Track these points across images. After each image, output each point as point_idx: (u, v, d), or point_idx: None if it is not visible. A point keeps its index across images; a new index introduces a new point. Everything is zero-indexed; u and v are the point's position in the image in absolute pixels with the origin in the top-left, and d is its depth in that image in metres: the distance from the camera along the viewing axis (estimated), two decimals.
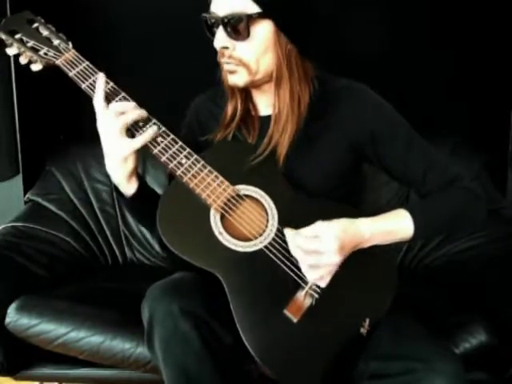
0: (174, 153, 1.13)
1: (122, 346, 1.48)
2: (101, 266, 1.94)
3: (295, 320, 1.10)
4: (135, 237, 2.00)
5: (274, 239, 1.12)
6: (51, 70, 1.16)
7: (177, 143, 1.14)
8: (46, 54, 1.15)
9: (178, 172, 1.12)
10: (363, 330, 1.12)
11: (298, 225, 1.10)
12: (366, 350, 1.11)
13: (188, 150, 1.14)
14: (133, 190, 1.17)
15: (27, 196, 2.01)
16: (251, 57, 1.14)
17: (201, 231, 1.12)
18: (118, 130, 1.09)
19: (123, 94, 1.14)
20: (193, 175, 1.12)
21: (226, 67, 1.17)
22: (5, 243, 1.74)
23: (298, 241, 1.07)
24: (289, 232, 1.10)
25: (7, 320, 1.50)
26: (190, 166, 1.13)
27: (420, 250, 1.89)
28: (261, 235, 1.13)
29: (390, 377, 1.05)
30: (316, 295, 1.12)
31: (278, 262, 1.12)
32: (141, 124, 1.13)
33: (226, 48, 1.14)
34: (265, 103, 1.25)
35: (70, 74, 1.14)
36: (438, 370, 1.01)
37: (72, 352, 1.51)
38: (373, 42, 2.02)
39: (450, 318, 1.49)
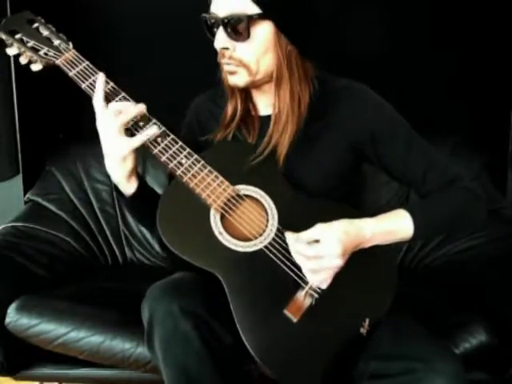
0: (174, 153, 1.13)
1: (122, 346, 1.48)
2: (101, 266, 1.94)
3: (295, 320, 1.10)
4: (135, 237, 2.00)
5: (273, 239, 1.12)
6: (51, 69, 1.16)
7: (177, 143, 1.14)
8: (46, 53, 1.15)
9: (178, 172, 1.12)
10: (363, 330, 1.12)
11: (298, 225, 1.10)
12: (366, 350, 1.11)
13: (188, 149, 1.14)
14: (133, 190, 1.17)
15: (27, 196, 2.01)
16: (251, 57, 1.14)
17: (201, 231, 1.12)
18: (117, 129, 1.09)
19: (123, 93, 1.14)
20: (193, 175, 1.12)
21: (226, 68, 1.17)
22: (5, 243, 1.74)
23: (299, 247, 1.07)
24: (290, 236, 1.10)
25: (7, 320, 1.50)
26: (189, 166, 1.13)
27: (420, 250, 1.89)
28: (261, 235, 1.13)
29: (390, 377, 1.05)
30: (316, 295, 1.12)
31: (277, 261, 1.12)
32: (141, 124, 1.13)
33: (227, 49, 1.14)
34: (265, 103, 1.25)
35: (70, 74, 1.14)
36: (438, 370, 1.01)
37: (72, 352, 1.51)
38: (373, 42, 2.02)
39: (450, 318, 1.49)
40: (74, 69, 1.14)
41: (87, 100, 1.14)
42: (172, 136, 1.14)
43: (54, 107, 2.11)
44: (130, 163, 1.13)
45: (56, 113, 2.13)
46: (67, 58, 1.15)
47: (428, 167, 1.19)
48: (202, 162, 1.13)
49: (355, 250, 1.11)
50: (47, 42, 1.17)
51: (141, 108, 1.12)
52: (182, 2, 1.88)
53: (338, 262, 1.06)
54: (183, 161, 1.13)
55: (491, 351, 1.43)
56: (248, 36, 1.11)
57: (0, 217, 1.96)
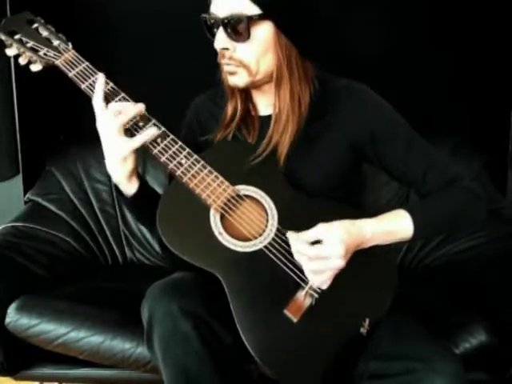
0: (174, 153, 1.13)
1: (122, 346, 1.48)
2: (101, 266, 1.94)
3: (295, 320, 1.10)
4: (135, 237, 2.00)
5: (273, 239, 1.12)
6: (51, 70, 1.16)
7: (176, 143, 1.14)
8: (45, 54, 1.15)
9: (178, 172, 1.12)
10: (363, 330, 1.12)
11: (298, 225, 1.10)
12: (366, 350, 1.11)
13: (188, 150, 1.14)
14: (133, 190, 1.17)
15: (27, 196, 2.01)
16: (251, 58, 1.14)
17: (201, 231, 1.12)
18: (117, 130, 1.09)
19: (123, 94, 1.14)
20: (192, 175, 1.12)
21: (226, 68, 1.17)
22: (5, 243, 1.74)
23: (301, 247, 1.07)
24: (291, 235, 1.10)
25: (7, 320, 1.50)
26: (189, 166, 1.13)
27: (420, 250, 1.89)
28: (260, 235, 1.13)
29: (390, 377, 1.05)
30: (316, 295, 1.11)
31: (277, 262, 1.12)
32: (141, 124, 1.13)
33: (227, 49, 1.14)
34: (265, 103, 1.25)
35: (70, 75, 1.14)
36: (438, 370, 1.01)
37: (72, 352, 1.51)
38: (373, 42, 2.02)
39: (450, 318, 1.49)
40: (73, 69, 1.14)
41: (87, 100, 1.14)
42: (172, 136, 1.14)
43: (53, 107, 2.11)
44: (130, 163, 1.13)
45: (56, 113, 2.13)
46: (67, 58, 1.15)
47: (428, 167, 1.19)
48: (202, 162, 1.13)
49: (355, 250, 1.11)
50: (47, 42, 1.17)
51: (140, 107, 1.12)
52: (182, 2, 1.88)
53: (340, 263, 1.06)
54: (183, 161, 1.13)
55: (491, 351, 1.43)
56: (248, 36, 1.11)
57: (0, 217, 1.96)
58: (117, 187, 1.18)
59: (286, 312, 1.10)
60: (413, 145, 1.20)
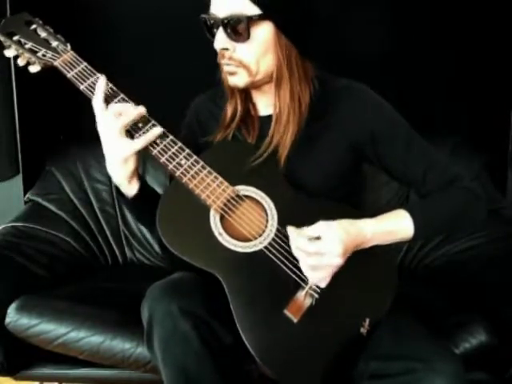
0: (174, 154, 1.13)
1: (122, 346, 1.48)
2: (101, 266, 1.94)
3: (295, 320, 1.10)
4: (135, 237, 2.00)
5: (273, 239, 1.12)
6: (51, 70, 1.16)
7: (176, 144, 1.14)
8: (44, 55, 1.15)
9: (178, 173, 1.12)
10: (363, 330, 1.12)
11: (298, 225, 1.10)
12: (366, 350, 1.11)
13: (187, 150, 1.14)
14: (134, 191, 1.17)
15: (27, 196, 2.01)
16: (251, 58, 1.14)
17: (200, 232, 1.12)
18: (118, 131, 1.09)
19: (122, 95, 1.14)
20: (192, 176, 1.12)
21: (226, 68, 1.17)
22: (5, 243, 1.74)
23: (300, 242, 1.07)
24: (291, 231, 1.10)
25: (7, 320, 1.51)
26: (189, 167, 1.13)
27: (420, 250, 1.89)
28: (260, 236, 1.13)
29: (390, 377, 1.05)
30: (316, 295, 1.12)
31: (277, 262, 1.12)
32: (140, 125, 1.13)
33: (226, 49, 1.14)
34: (265, 103, 1.25)
35: (69, 76, 1.14)
36: (438, 370, 1.01)
37: (72, 352, 1.51)
38: (373, 42, 2.02)
39: (450, 318, 1.49)
40: (72, 70, 1.14)
41: (87, 100, 1.14)
42: (171, 137, 1.14)
43: (53, 107, 2.11)
44: (131, 164, 1.13)
45: (56, 113, 2.13)
46: (65, 59, 1.15)
47: (428, 167, 1.19)
48: (202, 162, 1.13)
49: (355, 250, 1.11)
50: (45, 43, 1.17)
51: (141, 110, 1.12)
52: (182, 2, 1.88)
53: (338, 261, 1.06)
54: (183, 162, 1.13)
55: (491, 351, 1.43)
56: (248, 37, 1.11)
57: (0, 217, 1.96)
58: (117, 188, 1.18)
59: (286, 312, 1.10)
60: (413, 145, 1.20)
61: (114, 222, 2.00)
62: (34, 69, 1.16)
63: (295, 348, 1.09)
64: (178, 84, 2.01)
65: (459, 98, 2.11)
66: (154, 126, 1.13)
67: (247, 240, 1.13)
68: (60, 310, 1.53)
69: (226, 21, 1.10)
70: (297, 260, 1.10)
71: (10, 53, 1.17)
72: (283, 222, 1.13)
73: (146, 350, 1.26)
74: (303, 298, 1.11)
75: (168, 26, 2.04)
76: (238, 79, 1.16)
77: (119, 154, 1.11)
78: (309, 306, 1.11)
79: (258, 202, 1.15)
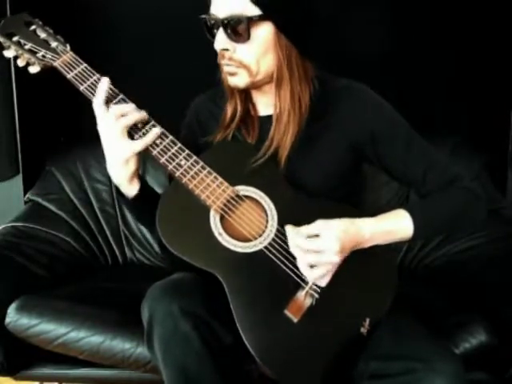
0: (174, 154, 1.13)
1: (122, 346, 1.48)
2: (101, 266, 1.94)
3: (295, 320, 1.10)
4: (135, 237, 2.00)
5: (273, 240, 1.12)
6: (50, 70, 1.16)
7: (176, 144, 1.14)
8: (43, 56, 1.15)
9: (178, 173, 1.12)
10: (363, 330, 1.12)
11: (297, 225, 1.10)
12: (366, 350, 1.11)
13: (187, 151, 1.14)
14: (135, 192, 1.17)
15: (27, 196, 2.01)
16: (252, 59, 1.13)
17: (200, 232, 1.12)
18: (119, 132, 1.09)
19: (122, 95, 1.14)
20: (192, 176, 1.12)
21: (226, 69, 1.17)
22: (5, 243, 1.74)
23: (298, 240, 1.07)
24: (290, 229, 1.10)
25: (7, 320, 1.51)
26: (189, 167, 1.13)
27: (420, 250, 1.89)
28: (260, 236, 1.13)
29: (390, 377, 1.05)
30: (316, 295, 1.12)
31: (277, 262, 1.12)
32: (140, 126, 1.12)
33: (227, 50, 1.13)
34: (265, 103, 1.24)
35: (68, 76, 1.14)
36: (438, 370, 1.01)
37: (72, 352, 1.51)
38: (373, 42, 2.02)
39: (450, 318, 1.49)
40: (71, 71, 1.14)
41: (87, 100, 1.14)
42: (171, 137, 1.14)
43: (54, 107, 2.11)
44: (132, 165, 1.13)
45: (56, 113, 2.13)
46: (65, 60, 1.15)
47: (428, 167, 1.19)
48: (202, 163, 1.13)
49: (354, 250, 1.11)
50: (45, 44, 1.17)
51: (143, 115, 1.12)
52: (182, 2, 1.88)
53: (335, 259, 1.07)
54: (182, 162, 1.13)
55: (491, 351, 1.43)
56: (248, 37, 1.11)
57: (0, 217, 1.96)
58: (117, 188, 1.18)
59: (287, 312, 1.10)
60: (413, 145, 1.20)
61: (114, 222, 2.00)
62: (33, 69, 1.16)
63: (295, 348, 1.10)
64: (178, 84, 2.01)
65: (459, 97, 2.11)
66: (153, 126, 1.13)
67: (247, 240, 1.13)
68: (60, 310, 1.53)
69: (226, 21, 1.10)
70: (296, 258, 1.10)
71: (9, 53, 1.17)
72: (283, 222, 1.13)
73: (146, 350, 1.26)
74: (303, 298, 1.11)
75: (168, 26, 2.04)
76: (239, 80, 1.16)
77: (120, 154, 1.11)
78: (309, 306, 1.11)
79: (257, 202, 1.15)
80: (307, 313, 1.11)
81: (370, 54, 1.99)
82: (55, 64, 1.15)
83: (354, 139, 1.21)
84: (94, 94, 1.12)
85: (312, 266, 1.08)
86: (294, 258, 1.10)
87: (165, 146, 1.13)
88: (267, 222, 1.14)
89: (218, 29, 1.12)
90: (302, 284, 1.11)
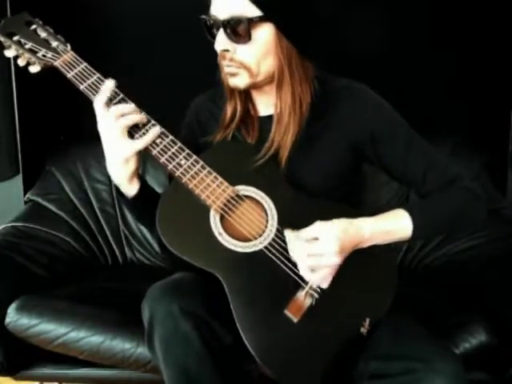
0: (174, 154, 1.13)
1: (122, 346, 1.48)
2: (101, 266, 1.94)
3: (295, 320, 1.10)
4: (135, 237, 2.00)
5: (273, 239, 1.12)
6: (51, 70, 1.16)
7: (176, 144, 1.14)
8: (44, 55, 1.15)
9: (178, 173, 1.12)
10: (363, 330, 1.12)
11: (297, 225, 1.10)
12: (366, 350, 1.11)
13: (187, 150, 1.14)
14: (134, 191, 1.17)
15: (27, 196, 2.01)
16: (252, 59, 1.13)
17: (200, 232, 1.12)
18: (119, 132, 1.09)
19: (122, 95, 1.14)
20: (192, 176, 1.12)
21: (226, 70, 1.16)
22: (5, 243, 1.74)
23: (298, 245, 1.07)
24: (289, 234, 1.10)
25: (7, 320, 1.51)
26: (189, 167, 1.13)
27: (420, 250, 1.89)
28: (260, 236, 1.13)
29: (390, 377, 1.05)
30: (316, 295, 1.12)
31: (277, 262, 1.12)
32: (140, 125, 1.12)
33: (227, 51, 1.13)
34: (265, 103, 1.24)
35: (69, 76, 1.14)
36: (438, 370, 1.01)
37: (72, 352, 1.51)
38: (373, 42, 2.02)
39: (450, 318, 1.49)
40: (72, 70, 1.14)
41: (87, 100, 1.14)
42: (171, 137, 1.14)
43: (54, 107, 2.11)
44: (132, 165, 1.13)
45: (56, 113, 2.13)
46: (65, 59, 1.15)
47: (428, 167, 1.19)
48: (202, 162, 1.13)
49: (354, 250, 1.11)
50: (45, 43, 1.17)
51: (142, 116, 1.12)
52: (182, 2, 1.88)
53: (335, 260, 1.07)
54: (182, 162, 1.13)
55: (491, 351, 1.43)
56: (249, 38, 1.11)
57: (0, 217, 1.96)
58: (117, 188, 1.18)
59: (287, 312, 1.10)
60: (413, 145, 1.20)
61: (114, 222, 2.00)
62: (34, 69, 1.16)
63: (295, 348, 1.10)
64: (178, 84, 2.01)
65: (459, 97, 2.11)
66: (153, 126, 1.13)
67: (247, 240, 1.13)
68: (60, 310, 1.53)
69: (226, 22, 1.10)
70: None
71: (10, 53, 1.17)
72: (283, 222, 1.13)
73: (146, 350, 1.26)
74: (303, 298, 1.11)
75: (168, 26, 2.04)
76: (239, 80, 1.16)
77: (120, 154, 1.11)
78: (309, 306, 1.11)
79: (257, 202, 1.15)
80: (307, 313, 1.11)
81: (370, 54, 1.99)
82: (56, 63, 1.15)
83: (354, 139, 1.21)
84: (94, 94, 1.12)
85: (313, 270, 1.08)
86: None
87: (165, 146, 1.13)
88: (267, 221, 1.14)
89: (218, 29, 1.12)
90: (302, 284, 1.11)
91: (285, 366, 1.08)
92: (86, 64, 1.15)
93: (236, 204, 1.14)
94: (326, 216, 1.09)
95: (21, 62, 1.17)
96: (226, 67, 1.16)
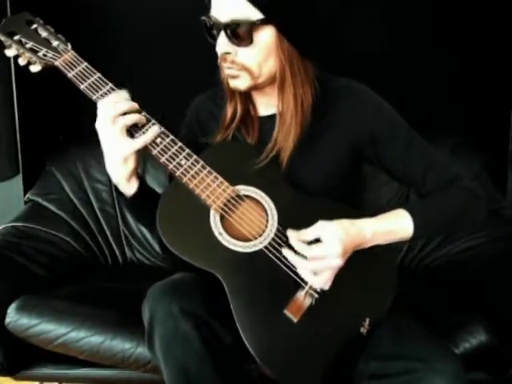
0: (174, 154, 1.13)
1: (122, 346, 1.48)
2: (101, 266, 1.94)
3: (295, 320, 1.10)
4: (135, 237, 2.00)
5: (273, 239, 1.12)
6: (51, 70, 1.16)
7: (176, 144, 1.14)
8: (44, 55, 1.15)
9: (178, 173, 1.12)
10: (363, 330, 1.12)
11: (298, 225, 1.10)
12: (366, 350, 1.11)
13: (187, 150, 1.14)
14: (133, 190, 1.17)
15: (27, 196, 2.01)
16: (254, 62, 1.13)
17: (201, 232, 1.12)
18: (118, 131, 1.09)
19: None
20: (192, 176, 1.12)
21: (227, 72, 1.16)
22: (5, 243, 1.74)
23: (299, 247, 1.08)
24: (291, 235, 1.10)
25: (7, 320, 1.51)
26: (189, 167, 1.13)
27: (420, 250, 1.89)
28: (260, 236, 1.13)
29: (390, 377, 1.05)
30: (316, 295, 1.12)
31: (277, 262, 1.12)
32: (140, 125, 1.12)
33: (228, 53, 1.13)
34: (265, 104, 1.24)
35: (69, 75, 1.14)
36: (438, 370, 1.01)
37: (72, 352, 1.51)
38: (373, 42, 2.02)
39: (450, 318, 1.49)
40: (72, 70, 1.14)
41: (87, 100, 1.14)
42: (171, 137, 1.14)
43: (54, 107, 2.11)
44: (131, 164, 1.13)
45: (56, 113, 2.13)
46: (66, 59, 1.15)
47: (428, 167, 1.19)
48: (202, 162, 1.13)
49: (355, 250, 1.11)
50: (46, 43, 1.17)
51: (142, 115, 1.12)
52: (182, 2, 1.88)
53: (338, 262, 1.06)
54: (183, 162, 1.13)
55: (491, 351, 1.43)
56: (250, 41, 1.10)
57: (0, 217, 1.96)
58: (117, 188, 1.18)
59: (286, 312, 1.10)
60: (413, 145, 1.20)
61: (114, 222, 2.00)
62: (34, 68, 1.16)
63: (295, 348, 1.10)
64: (178, 84, 2.01)
65: (459, 97, 2.11)
66: (153, 125, 1.13)
67: (247, 240, 1.13)
68: (60, 310, 1.53)
69: (227, 25, 1.09)
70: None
71: (10, 52, 1.17)
72: (283, 222, 1.13)
73: (146, 350, 1.26)
74: (303, 298, 1.11)
75: (168, 26, 2.04)
76: (240, 82, 1.16)
77: (119, 153, 1.10)
78: (309, 306, 1.11)
79: (258, 202, 1.15)
80: (307, 313, 1.11)
81: (370, 53, 2.00)
82: (56, 63, 1.15)
83: (354, 139, 1.20)
84: (94, 93, 1.12)
85: (315, 273, 1.08)
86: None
87: (165, 146, 1.13)
88: (267, 221, 1.14)
89: (218, 31, 1.11)
90: (302, 284, 1.11)
91: (285, 366, 1.08)
92: (86, 64, 1.15)
93: (236, 204, 1.14)
94: (327, 216, 1.09)
95: (21, 62, 1.17)
96: (227, 69, 1.15)
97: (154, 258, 1.98)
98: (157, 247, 1.95)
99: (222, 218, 1.13)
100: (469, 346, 1.42)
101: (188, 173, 1.12)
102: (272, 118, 1.21)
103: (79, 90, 1.14)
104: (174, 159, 1.13)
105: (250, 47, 1.11)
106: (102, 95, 1.12)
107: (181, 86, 1.83)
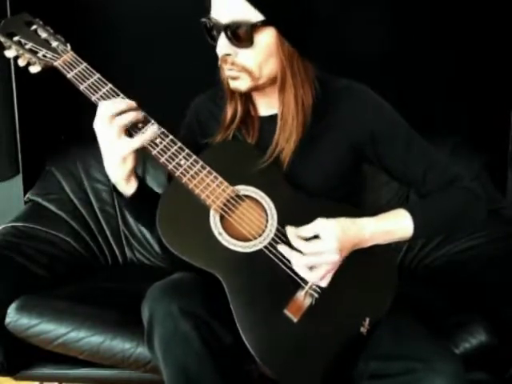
0: (173, 154, 1.13)
1: (122, 346, 1.48)
2: (101, 266, 1.94)
3: (295, 320, 1.10)
4: (135, 237, 2.00)
5: (273, 239, 1.12)
6: (51, 70, 1.16)
7: (176, 144, 1.14)
8: (44, 55, 1.15)
9: (177, 173, 1.12)
10: (363, 330, 1.12)
11: (297, 225, 1.10)
12: (365, 350, 1.11)
13: (187, 150, 1.14)
14: (132, 190, 1.17)
15: (27, 196, 2.01)
16: (254, 63, 1.12)
17: (200, 232, 1.12)
18: (116, 131, 1.09)
19: (121, 95, 1.13)
20: (192, 176, 1.12)
21: (228, 73, 1.15)
22: (5, 243, 1.74)
23: (298, 243, 1.08)
24: (290, 230, 1.10)
25: (7, 320, 1.51)
26: (189, 167, 1.13)
27: (420, 250, 1.89)
28: (260, 235, 1.13)
29: (390, 377, 1.05)
30: (316, 295, 1.12)
31: (277, 261, 1.12)
32: (139, 125, 1.12)
33: (229, 55, 1.12)
34: (265, 104, 1.24)
35: (69, 76, 1.14)
36: (438, 370, 1.01)
37: (72, 352, 1.51)
38: (373, 42, 2.02)
39: (450, 318, 1.49)
40: (72, 70, 1.14)
41: (87, 100, 1.14)
42: (171, 137, 1.14)
43: (54, 107, 2.11)
44: (129, 163, 1.13)
45: (56, 113, 2.13)
46: (65, 59, 1.15)
47: (428, 167, 1.19)
48: (201, 162, 1.13)
49: (354, 249, 1.11)
50: (45, 43, 1.17)
51: (139, 114, 1.12)
52: (182, 2, 1.88)
53: (334, 258, 1.06)
54: (182, 162, 1.13)
55: (491, 351, 1.43)
56: (251, 43, 1.09)
57: (0, 217, 1.96)
58: (115, 188, 1.18)
59: (286, 312, 1.10)
60: (413, 145, 1.20)
61: (114, 222, 2.00)
62: (34, 69, 1.16)
63: (295, 348, 1.10)
64: (178, 84, 2.01)
65: (459, 97, 2.11)
66: (152, 125, 1.13)
67: (247, 240, 1.13)
68: (60, 310, 1.53)
69: (228, 27, 1.09)
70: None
71: (10, 53, 1.17)
72: (283, 222, 1.13)
73: (146, 350, 1.26)
74: (303, 298, 1.11)
75: (168, 26, 2.04)
76: (240, 83, 1.15)
77: (117, 152, 1.10)
78: (309, 306, 1.11)
79: (257, 202, 1.15)
80: (307, 312, 1.11)
81: (370, 53, 1.99)
82: (56, 64, 1.14)
83: (354, 139, 1.20)
84: (94, 94, 1.12)
85: (311, 268, 1.08)
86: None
87: (164, 146, 1.13)
88: (267, 221, 1.14)
89: (219, 33, 1.11)
90: (302, 284, 1.11)
91: (285, 366, 1.08)
92: (86, 64, 1.15)
93: (236, 204, 1.14)
94: (327, 215, 1.09)
95: (21, 63, 1.17)
96: (228, 71, 1.15)
97: (154, 258, 1.98)
98: (157, 247, 1.95)
99: (222, 217, 1.13)
100: (469, 346, 1.42)
101: (187, 173, 1.12)
102: (272, 118, 1.21)
103: (79, 90, 1.14)
104: (173, 159, 1.13)
105: (250, 48, 1.11)
106: (101, 96, 1.12)
107: (181, 86, 1.83)
